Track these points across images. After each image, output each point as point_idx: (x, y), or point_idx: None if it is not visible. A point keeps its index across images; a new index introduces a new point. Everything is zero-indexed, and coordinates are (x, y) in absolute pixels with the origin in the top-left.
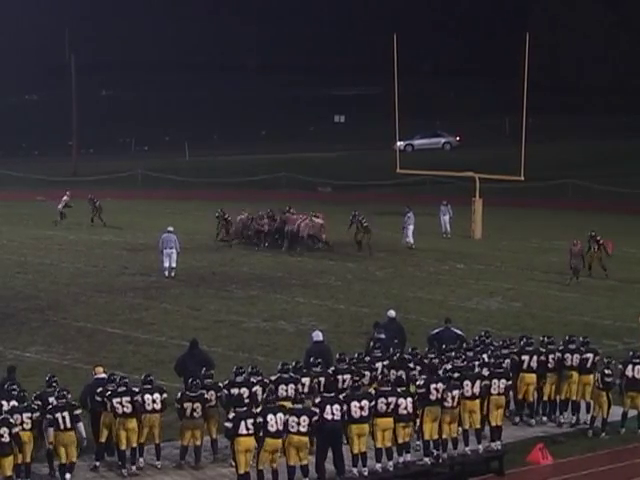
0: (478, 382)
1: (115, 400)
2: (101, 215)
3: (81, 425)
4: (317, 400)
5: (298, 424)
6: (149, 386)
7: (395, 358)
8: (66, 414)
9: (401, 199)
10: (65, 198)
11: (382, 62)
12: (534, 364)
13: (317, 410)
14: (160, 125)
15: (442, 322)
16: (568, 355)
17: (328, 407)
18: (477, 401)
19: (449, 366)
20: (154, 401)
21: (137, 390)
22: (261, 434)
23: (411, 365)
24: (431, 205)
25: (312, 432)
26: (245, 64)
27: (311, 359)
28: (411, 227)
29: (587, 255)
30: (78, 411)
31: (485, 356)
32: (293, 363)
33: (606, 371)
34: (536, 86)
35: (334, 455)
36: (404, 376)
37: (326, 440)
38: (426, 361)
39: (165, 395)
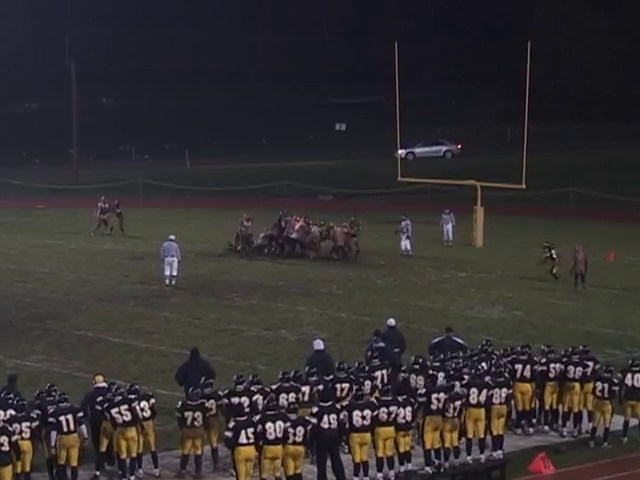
0: (485, 391)
1: (113, 410)
2: (122, 225)
3: (84, 427)
4: (315, 410)
5: (294, 434)
6: (134, 395)
7: (418, 365)
8: (70, 417)
9: (402, 207)
10: (100, 204)
11: (383, 70)
12: (527, 373)
13: (315, 419)
14: (160, 133)
15: (443, 331)
16: (571, 367)
17: (325, 416)
18: (482, 410)
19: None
20: (142, 409)
21: (133, 397)
22: (261, 442)
23: (431, 372)
24: (433, 213)
25: (309, 441)
26: (246, 72)
27: (307, 368)
28: (409, 235)
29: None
30: (81, 413)
31: (484, 364)
32: (292, 372)
33: (615, 380)
34: (537, 94)
35: (332, 463)
36: (423, 382)
37: (324, 449)
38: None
39: (153, 400)
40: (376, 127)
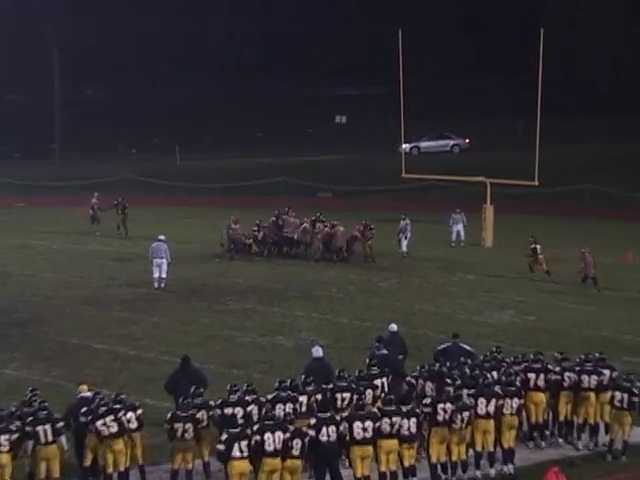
0: (494, 401)
1: (99, 423)
2: (126, 223)
3: (63, 438)
4: (313, 421)
5: (291, 447)
6: (120, 405)
7: (434, 371)
8: (48, 427)
9: (406, 205)
10: (93, 201)
11: (387, 59)
12: (541, 382)
13: (313, 431)
14: (149, 127)
15: (450, 337)
16: (585, 377)
17: (324, 428)
18: (491, 421)
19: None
20: (129, 421)
21: (119, 407)
22: (260, 454)
23: (448, 380)
24: (439, 212)
25: (307, 455)
26: (240, 62)
27: (303, 377)
28: (407, 235)
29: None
30: (60, 424)
31: (495, 373)
32: (289, 381)
33: (634, 390)
34: (550, 85)
35: (332, 478)
36: (434, 389)
37: (323, 463)
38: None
39: (140, 411)
40: (379, 120)
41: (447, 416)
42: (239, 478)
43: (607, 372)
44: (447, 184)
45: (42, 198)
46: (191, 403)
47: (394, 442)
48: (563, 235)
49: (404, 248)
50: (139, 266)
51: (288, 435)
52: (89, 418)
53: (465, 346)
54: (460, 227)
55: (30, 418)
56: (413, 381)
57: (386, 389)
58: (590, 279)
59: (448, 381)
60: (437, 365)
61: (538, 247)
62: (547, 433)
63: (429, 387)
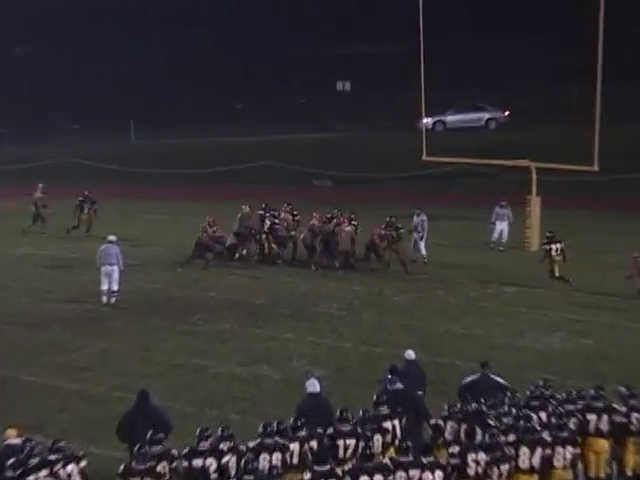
0: (540, 450)
1: (30, 478)
2: (91, 222)
3: None
4: (307, 475)
5: None
6: (58, 456)
7: (469, 411)
8: None
9: (427, 197)
10: (37, 195)
11: (402, 11)
12: (604, 426)
13: None
14: (96, 95)
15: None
16: None
17: None
18: (536, 476)
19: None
20: (69, 475)
21: (56, 458)
22: None
23: (491, 422)
24: (468, 206)
25: None
26: (214, 14)
27: (294, 418)
28: (423, 235)
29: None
30: None
31: (544, 415)
32: (276, 423)
33: None
34: (612, 48)
35: None
36: (477, 433)
37: None
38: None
39: (84, 463)
40: (392, 87)
41: (480, 469)
42: None
43: None
44: (480, 169)
45: None
46: (149, 452)
47: None
48: (630, 236)
49: (422, 251)
50: (83, 275)
51: None
52: (17, 472)
53: (497, 378)
54: (504, 225)
55: None
56: (441, 423)
57: (399, 434)
58: None
59: (491, 423)
60: (473, 404)
61: (554, 248)
62: None
63: (464, 432)
